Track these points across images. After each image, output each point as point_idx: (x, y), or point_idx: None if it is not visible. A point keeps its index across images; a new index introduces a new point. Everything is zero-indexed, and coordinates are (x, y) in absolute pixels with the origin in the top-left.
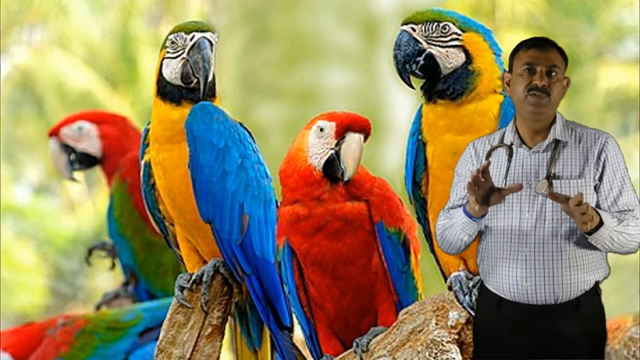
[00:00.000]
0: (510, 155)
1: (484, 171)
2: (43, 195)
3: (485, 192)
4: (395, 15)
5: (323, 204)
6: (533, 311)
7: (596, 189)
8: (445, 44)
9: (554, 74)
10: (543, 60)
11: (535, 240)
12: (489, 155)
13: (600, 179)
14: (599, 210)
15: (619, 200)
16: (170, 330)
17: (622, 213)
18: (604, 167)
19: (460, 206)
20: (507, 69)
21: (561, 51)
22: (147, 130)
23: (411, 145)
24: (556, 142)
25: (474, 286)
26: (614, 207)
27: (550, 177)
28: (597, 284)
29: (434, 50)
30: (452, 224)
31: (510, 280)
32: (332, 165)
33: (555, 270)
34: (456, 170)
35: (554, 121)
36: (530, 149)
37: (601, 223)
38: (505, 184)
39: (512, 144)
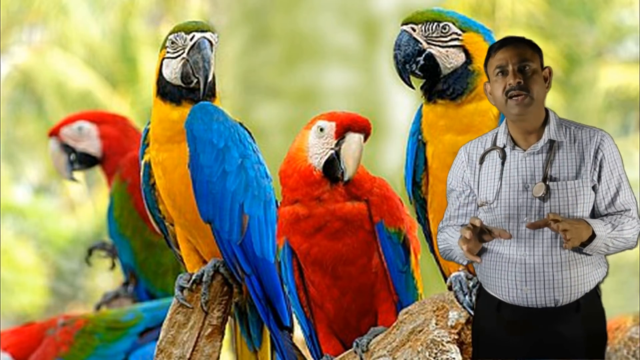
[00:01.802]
0: (504, 158)
1: (474, 225)
2: (43, 195)
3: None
4: (395, 15)
5: (323, 204)
6: (533, 314)
7: (594, 189)
8: (445, 44)
9: (527, 68)
10: (512, 58)
11: (534, 244)
12: (482, 159)
13: (599, 179)
14: (590, 221)
15: (616, 200)
16: (170, 330)
17: (618, 214)
18: (601, 166)
19: (457, 217)
20: None
21: (531, 44)
22: (147, 130)
23: (411, 145)
24: (551, 142)
25: (474, 286)
26: (611, 208)
27: (546, 180)
28: (597, 285)
29: (434, 50)
30: (451, 250)
31: (509, 285)
32: (332, 165)
33: (555, 273)
34: (449, 179)
35: (547, 121)
36: (525, 150)
37: (593, 235)
38: (501, 187)
39: (505, 146)
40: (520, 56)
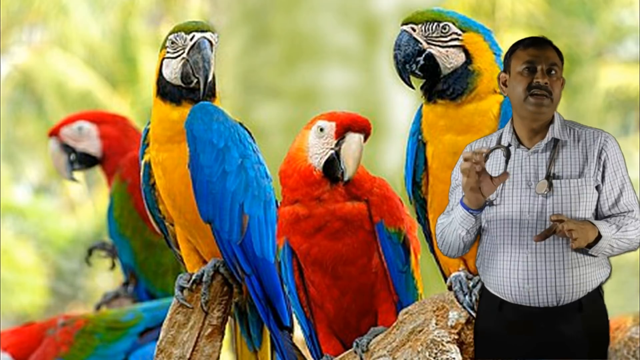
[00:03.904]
0: (508, 156)
1: (478, 154)
2: (43, 195)
3: (478, 177)
4: (395, 15)
5: (323, 204)
6: (535, 313)
7: (597, 189)
8: (445, 44)
9: (553, 72)
10: (543, 59)
11: (537, 243)
12: (486, 158)
13: (602, 179)
14: (596, 223)
15: (619, 201)
16: (170, 330)
17: (622, 215)
18: (604, 167)
19: None
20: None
21: (558, 51)
22: (147, 130)
23: (411, 145)
24: (555, 141)
25: (474, 286)
26: (614, 209)
27: (550, 177)
28: (600, 285)
29: (434, 50)
30: (451, 221)
31: (511, 283)
32: (332, 165)
33: (557, 272)
34: (453, 175)
35: (552, 120)
36: (529, 149)
37: (599, 236)
38: (504, 184)
39: (509, 144)
40: (552, 59)
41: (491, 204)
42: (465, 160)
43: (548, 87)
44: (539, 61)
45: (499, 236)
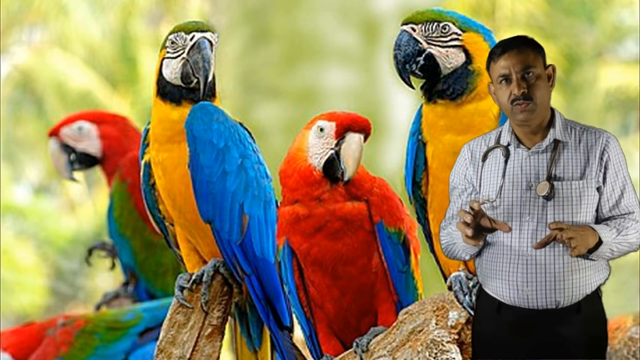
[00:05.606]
0: (507, 156)
1: (473, 209)
2: (43, 195)
3: (477, 225)
4: (395, 15)
5: (323, 204)
6: (533, 315)
7: (599, 190)
8: (445, 44)
9: (530, 74)
10: (515, 66)
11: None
12: (485, 157)
13: (604, 181)
14: (596, 227)
15: (620, 202)
16: (170, 330)
17: (622, 217)
18: (606, 168)
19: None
20: None
21: (533, 45)
22: (147, 130)
23: (411, 145)
24: (556, 142)
25: (474, 286)
26: (615, 210)
27: (551, 179)
28: (598, 287)
29: (434, 50)
30: (454, 243)
31: (510, 285)
32: (332, 165)
33: (556, 274)
34: (451, 177)
35: (552, 121)
36: (529, 149)
37: (600, 242)
38: (504, 185)
39: (509, 144)
40: (523, 63)
41: (492, 205)
42: (462, 218)
43: (527, 95)
44: (511, 71)
45: (498, 238)
